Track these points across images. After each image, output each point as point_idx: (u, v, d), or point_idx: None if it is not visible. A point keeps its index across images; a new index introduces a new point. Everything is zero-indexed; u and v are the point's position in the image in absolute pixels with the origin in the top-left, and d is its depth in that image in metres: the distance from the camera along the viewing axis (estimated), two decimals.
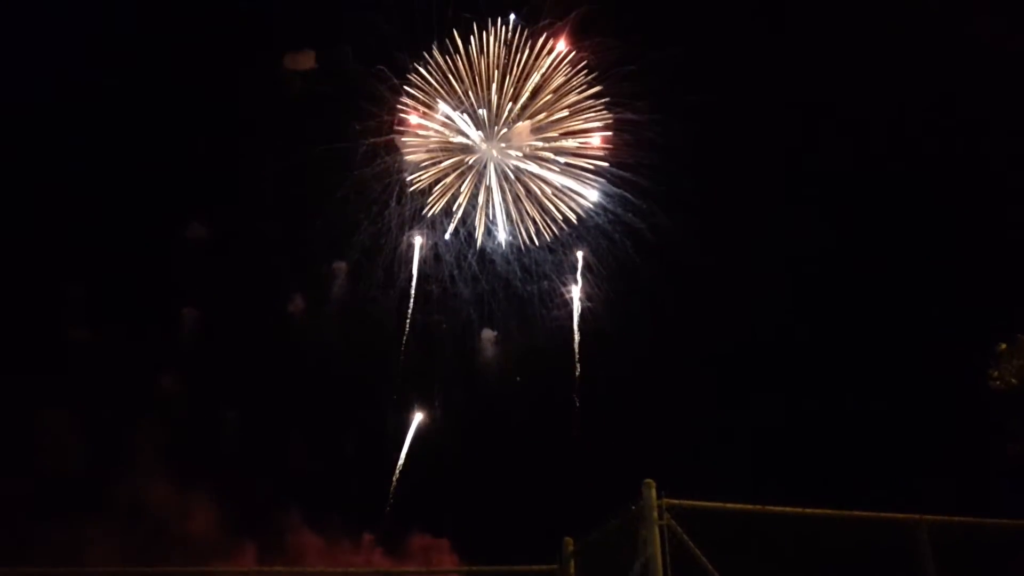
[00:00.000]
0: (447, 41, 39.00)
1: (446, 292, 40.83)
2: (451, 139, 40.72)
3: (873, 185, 34.76)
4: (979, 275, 30.63)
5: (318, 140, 38.10)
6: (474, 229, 41.24)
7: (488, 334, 41.81)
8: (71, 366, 32.50)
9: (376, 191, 39.83)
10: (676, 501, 8.82)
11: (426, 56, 39.52)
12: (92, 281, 34.56)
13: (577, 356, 40.71)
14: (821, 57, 32.89)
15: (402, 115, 39.82)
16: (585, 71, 39.57)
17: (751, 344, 34.06)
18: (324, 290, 41.44)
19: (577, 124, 40.31)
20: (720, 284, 35.21)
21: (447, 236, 40.78)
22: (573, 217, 40.32)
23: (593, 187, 40.60)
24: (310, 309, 40.98)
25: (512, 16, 39.38)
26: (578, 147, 40.59)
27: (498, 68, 39.45)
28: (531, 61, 39.68)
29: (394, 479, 36.52)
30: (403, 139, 40.02)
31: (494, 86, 39.59)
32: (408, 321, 40.47)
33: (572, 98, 40.12)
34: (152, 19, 35.89)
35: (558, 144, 40.50)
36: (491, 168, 40.41)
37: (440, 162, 40.63)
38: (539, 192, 40.62)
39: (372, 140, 39.25)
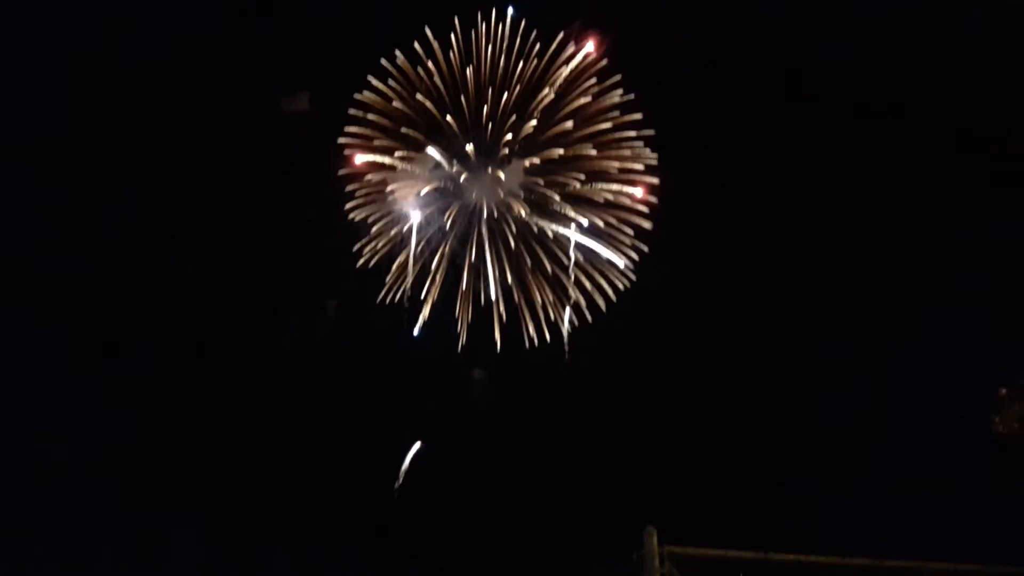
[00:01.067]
0: (415, 43, 27.22)
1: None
2: (414, 184, 28.15)
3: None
4: (980, 318, 30.29)
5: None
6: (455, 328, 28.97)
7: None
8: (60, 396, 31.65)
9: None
10: (679, 549, 8.65)
11: (386, 64, 27.35)
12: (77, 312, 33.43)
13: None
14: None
15: (347, 152, 27.91)
16: (618, 88, 27.48)
17: (754, 382, 33.23)
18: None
19: (606, 163, 27.68)
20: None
21: (415, 332, 28.80)
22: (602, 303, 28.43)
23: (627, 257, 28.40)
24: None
25: (510, 9, 27.19)
26: (611, 199, 27.97)
27: (489, 81, 27.29)
28: (537, 72, 27.27)
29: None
30: (350, 187, 28.13)
31: (485, 107, 27.35)
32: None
33: (600, 125, 27.55)
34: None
35: (581, 190, 27.93)
36: (476, 233, 27.93)
37: (395, 224, 28.31)
38: (545, 266, 28.36)
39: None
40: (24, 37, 29.88)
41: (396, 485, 30.06)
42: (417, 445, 30.81)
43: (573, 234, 27.98)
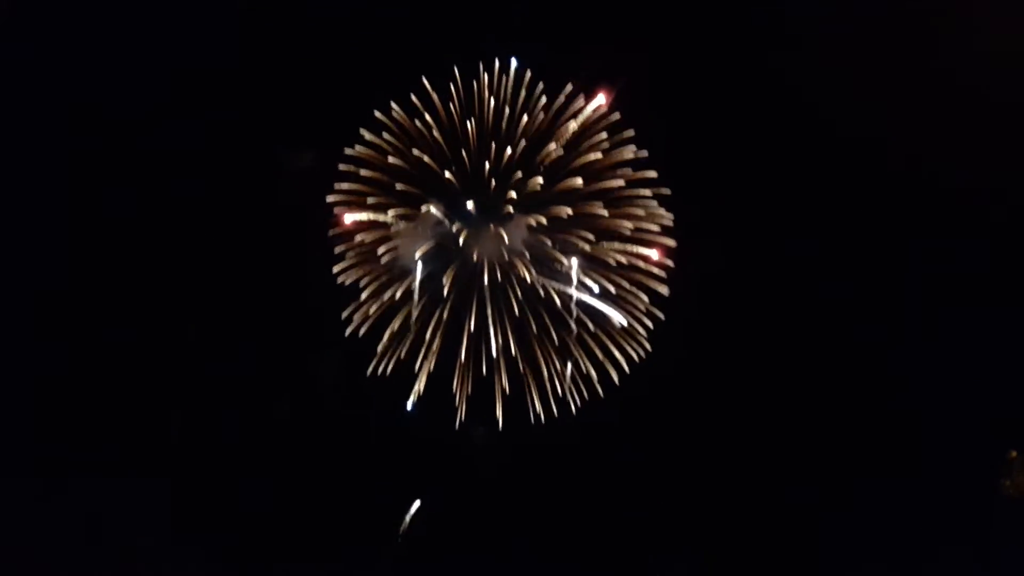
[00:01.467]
0: (413, 95, 25.51)
1: None
2: (410, 244, 25.89)
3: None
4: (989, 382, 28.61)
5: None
6: (454, 405, 26.42)
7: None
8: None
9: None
10: None
11: (380, 116, 25.60)
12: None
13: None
14: None
15: (336, 210, 25.90)
16: (631, 142, 25.48)
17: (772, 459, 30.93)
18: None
19: (618, 223, 25.61)
20: None
21: (409, 406, 26.37)
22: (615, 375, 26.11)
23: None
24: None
25: (513, 61, 25.53)
26: (623, 261, 25.82)
27: (491, 135, 25.45)
28: (543, 126, 25.47)
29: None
30: (339, 248, 26.02)
31: (487, 162, 25.37)
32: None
33: (611, 182, 25.54)
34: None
35: (590, 251, 25.81)
36: (477, 297, 25.73)
37: (388, 286, 25.94)
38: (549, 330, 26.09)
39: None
40: None
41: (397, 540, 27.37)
42: (416, 504, 27.88)
43: (584, 297, 25.83)
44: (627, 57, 26.03)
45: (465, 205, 25.68)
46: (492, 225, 25.67)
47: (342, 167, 25.84)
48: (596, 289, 25.76)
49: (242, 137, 27.26)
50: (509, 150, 25.46)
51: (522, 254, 25.74)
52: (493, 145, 25.47)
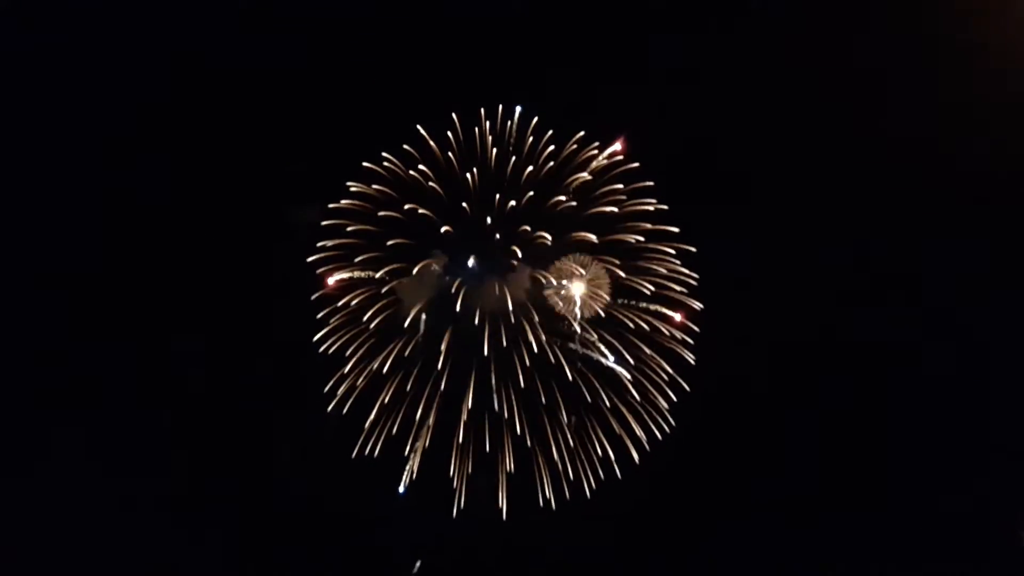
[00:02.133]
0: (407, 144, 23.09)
1: None
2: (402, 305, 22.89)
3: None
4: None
5: None
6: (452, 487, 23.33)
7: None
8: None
9: None
10: None
11: (372, 166, 23.03)
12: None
13: None
14: None
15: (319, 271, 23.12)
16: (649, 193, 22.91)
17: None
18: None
19: (635, 281, 22.76)
20: None
21: (401, 489, 23.33)
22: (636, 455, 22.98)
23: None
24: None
25: (517, 108, 23.17)
26: (643, 325, 22.84)
27: (494, 184, 22.80)
28: (551, 174, 22.95)
29: None
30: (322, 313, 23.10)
31: (489, 217, 22.64)
32: None
33: (627, 236, 22.92)
34: None
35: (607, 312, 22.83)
36: (478, 365, 22.23)
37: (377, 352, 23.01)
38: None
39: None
40: None
41: None
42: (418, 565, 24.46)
43: (595, 356, 22.88)
44: (645, 102, 24.23)
45: (466, 259, 22.95)
46: (496, 284, 22.81)
47: (325, 223, 23.21)
48: (611, 357, 22.84)
49: (213, 197, 25.29)
50: (513, 202, 22.86)
51: (530, 314, 22.77)
52: (497, 196, 22.89)
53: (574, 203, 23.08)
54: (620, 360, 22.96)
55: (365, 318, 23.07)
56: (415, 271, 22.85)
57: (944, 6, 23.69)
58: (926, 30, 23.72)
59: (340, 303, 23.21)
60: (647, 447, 23.09)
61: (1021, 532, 22.36)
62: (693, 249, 23.12)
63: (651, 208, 23.16)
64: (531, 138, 23.32)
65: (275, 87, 25.22)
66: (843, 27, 24.36)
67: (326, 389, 23.14)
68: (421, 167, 23.28)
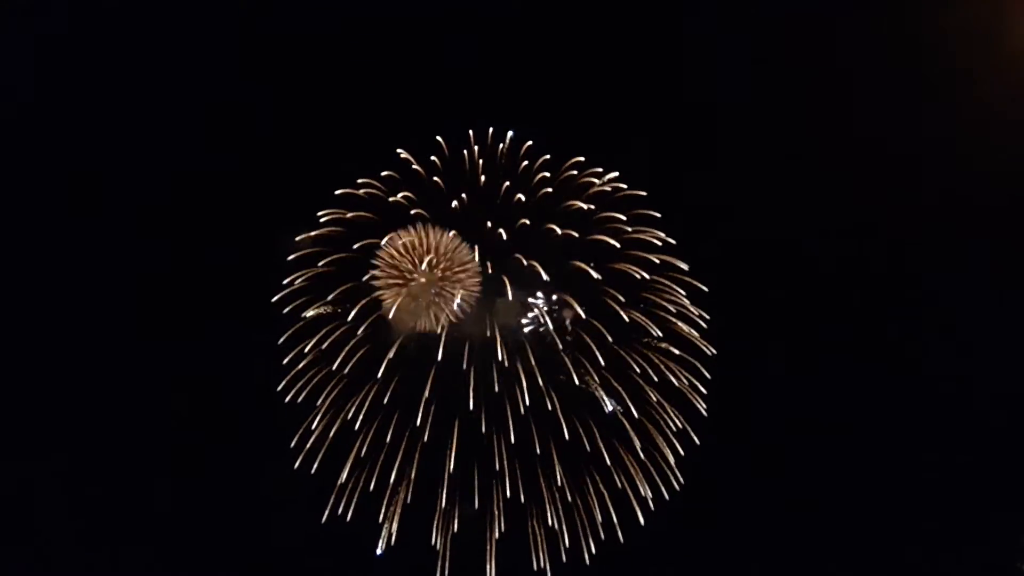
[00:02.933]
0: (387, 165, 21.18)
1: None
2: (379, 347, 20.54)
3: None
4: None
5: None
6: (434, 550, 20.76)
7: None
8: None
9: None
10: None
11: (347, 191, 21.21)
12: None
13: None
14: None
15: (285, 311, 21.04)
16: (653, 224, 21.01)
17: None
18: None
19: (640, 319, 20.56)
20: None
21: (378, 551, 20.61)
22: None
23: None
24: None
25: (510, 133, 21.25)
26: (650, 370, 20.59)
27: (483, 212, 20.66)
28: (545, 201, 20.91)
29: None
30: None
31: (477, 247, 20.46)
32: None
33: (631, 268, 20.70)
34: None
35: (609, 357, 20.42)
36: (462, 416, 20.05)
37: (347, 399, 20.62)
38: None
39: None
40: None
41: None
42: None
43: (606, 408, 20.48)
44: (648, 127, 22.41)
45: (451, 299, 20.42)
46: (486, 326, 20.37)
47: (292, 256, 20.96)
48: (610, 404, 20.46)
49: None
50: (503, 231, 20.56)
51: (528, 365, 20.12)
52: (487, 225, 20.60)
53: (574, 232, 20.88)
54: (623, 407, 20.58)
55: (337, 363, 20.61)
56: (394, 310, 20.34)
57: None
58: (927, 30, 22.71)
59: (308, 347, 20.77)
60: (652, 506, 20.65)
61: (1020, 565, 21.81)
62: (705, 288, 21.02)
63: (658, 242, 21.03)
64: (524, 162, 21.40)
65: (246, 115, 23.56)
66: (843, 27, 23.46)
67: (292, 444, 20.64)
68: (405, 192, 21.17)
